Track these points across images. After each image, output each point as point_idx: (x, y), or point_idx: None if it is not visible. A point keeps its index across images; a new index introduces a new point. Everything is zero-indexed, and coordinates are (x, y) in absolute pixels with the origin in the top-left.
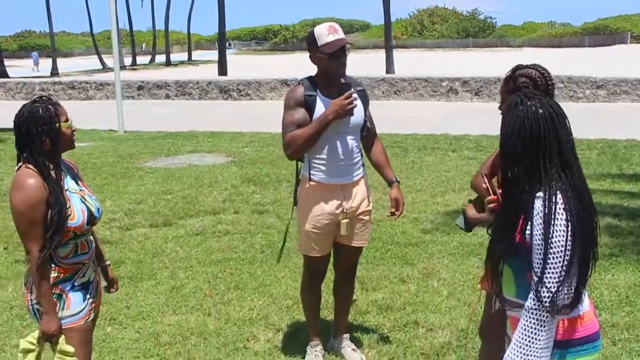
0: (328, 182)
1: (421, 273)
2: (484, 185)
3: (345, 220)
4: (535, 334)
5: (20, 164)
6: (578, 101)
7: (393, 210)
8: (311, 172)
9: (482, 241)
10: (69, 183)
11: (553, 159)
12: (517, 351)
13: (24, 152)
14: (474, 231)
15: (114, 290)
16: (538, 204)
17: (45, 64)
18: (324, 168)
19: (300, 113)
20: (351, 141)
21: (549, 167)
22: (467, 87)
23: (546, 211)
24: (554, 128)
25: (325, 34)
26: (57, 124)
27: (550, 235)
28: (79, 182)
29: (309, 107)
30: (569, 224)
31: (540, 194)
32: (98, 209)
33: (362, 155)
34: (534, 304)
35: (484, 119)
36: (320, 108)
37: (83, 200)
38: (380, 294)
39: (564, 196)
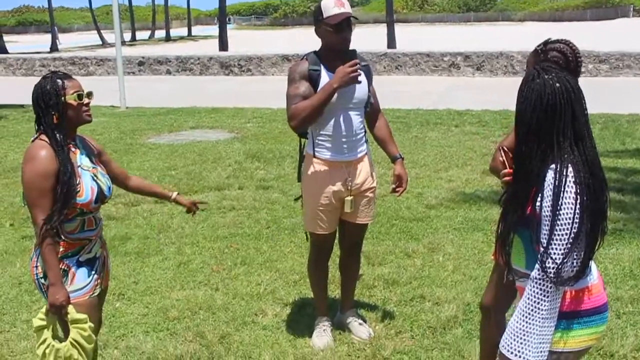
0: (333, 160)
1: (426, 248)
2: (500, 158)
3: (350, 198)
4: (539, 303)
5: (35, 136)
6: (580, 76)
7: (394, 186)
8: (315, 149)
9: (486, 216)
10: (82, 160)
11: (567, 132)
12: (521, 320)
13: (40, 125)
14: (479, 206)
15: (196, 209)
16: (549, 176)
17: (44, 39)
18: (328, 145)
19: (304, 86)
20: (355, 117)
21: (562, 141)
22: (469, 61)
23: (556, 183)
24: (570, 102)
25: (332, 6)
26: (63, 97)
27: (559, 207)
28: (94, 160)
29: (314, 82)
30: (578, 196)
31: (552, 166)
32: (109, 188)
33: (365, 132)
34: (539, 274)
35: (487, 94)
36: (324, 82)
37: (95, 178)
38: (386, 268)
39: (575, 169)
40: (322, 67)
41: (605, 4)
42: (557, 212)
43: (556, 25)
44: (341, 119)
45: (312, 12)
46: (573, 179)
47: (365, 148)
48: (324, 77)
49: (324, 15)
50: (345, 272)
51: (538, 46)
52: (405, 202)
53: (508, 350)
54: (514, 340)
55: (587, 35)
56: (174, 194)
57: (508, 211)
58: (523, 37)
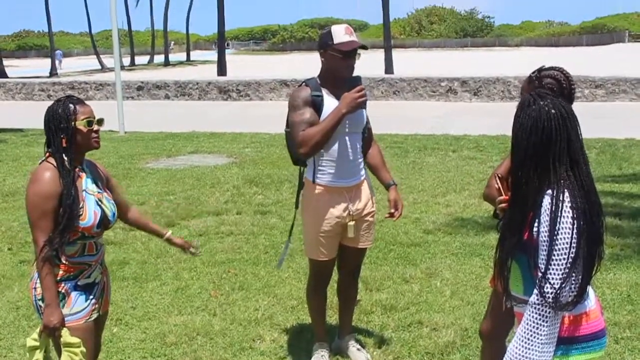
0: (334, 185)
1: (424, 273)
2: (495, 185)
3: (352, 223)
4: (538, 329)
5: (43, 158)
6: (576, 101)
7: (392, 211)
8: (316, 175)
9: (484, 241)
10: (88, 184)
11: (563, 158)
12: (520, 345)
13: (49, 147)
14: (476, 231)
15: (194, 249)
16: (546, 202)
17: (43, 64)
18: (330, 170)
19: (309, 112)
20: (356, 141)
21: (558, 166)
22: (466, 87)
23: (553, 208)
24: (565, 128)
25: (342, 33)
26: (73, 122)
27: (556, 232)
28: (101, 186)
29: (317, 107)
30: (575, 222)
31: (548, 191)
32: (114, 214)
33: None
34: (538, 300)
35: (484, 119)
36: (328, 108)
37: (99, 203)
38: (384, 294)
39: (571, 194)
40: (323, 92)
41: (601, 30)
42: (555, 237)
43: (552, 50)
44: (345, 143)
45: (309, 38)
46: (569, 204)
47: (365, 173)
48: (327, 102)
49: (335, 41)
50: (344, 297)
51: (532, 73)
52: (403, 227)
53: None
54: None
55: (583, 61)
56: (168, 233)
57: (505, 237)
58: (520, 62)
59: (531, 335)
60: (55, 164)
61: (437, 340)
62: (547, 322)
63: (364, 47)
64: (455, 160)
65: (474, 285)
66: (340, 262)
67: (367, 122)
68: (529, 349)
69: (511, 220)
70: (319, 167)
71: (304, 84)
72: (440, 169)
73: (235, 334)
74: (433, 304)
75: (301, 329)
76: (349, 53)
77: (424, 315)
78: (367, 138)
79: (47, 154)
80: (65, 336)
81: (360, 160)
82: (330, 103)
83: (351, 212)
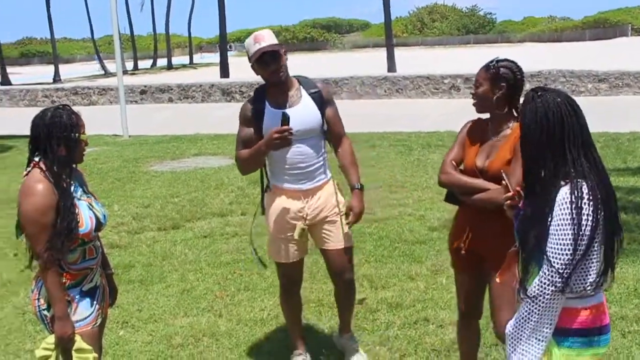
0: (288, 188)
1: (429, 270)
2: (503, 182)
3: (302, 225)
4: (531, 315)
5: (29, 168)
6: (580, 95)
7: (345, 217)
8: (272, 178)
9: None
10: (77, 191)
11: (577, 144)
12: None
13: (37, 155)
14: None
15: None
16: (563, 195)
17: (47, 70)
18: (282, 175)
19: (244, 130)
20: (308, 147)
21: (573, 150)
22: (469, 83)
23: (572, 199)
24: (575, 113)
25: (252, 44)
26: (77, 134)
27: (575, 223)
28: (86, 190)
29: (258, 120)
30: (592, 215)
31: (566, 185)
32: (104, 216)
33: (325, 159)
34: (539, 288)
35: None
36: (268, 119)
37: (91, 207)
38: (389, 291)
39: (589, 186)
40: (266, 103)
41: (604, 24)
42: (571, 227)
43: (555, 45)
44: (294, 150)
45: (311, 38)
46: (587, 196)
47: (325, 176)
48: (268, 113)
49: (249, 55)
50: (337, 300)
51: (490, 62)
52: (408, 224)
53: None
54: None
55: (586, 55)
56: (110, 270)
57: (528, 233)
58: (523, 58)
59: (524, 321)
60: (44, 174)
61: (443, 337)
62: (546, 308)
63: (272, 52)
64: None
65: None
66: (326, 265)
67: (325, 124)
68: (522, 328)
69: (531, 217)
70: (273, 172)
71: (252, 94)
72: None
73: (242, 335)
74: (439, 301)
75: (307, 328)
76: (259, 61)
77: (430, 312)
78: (334, 138)
79: (33, 163)
80: (79, 342)
81: (317, 164)
82: (270, 113)
83: (305, 215)
